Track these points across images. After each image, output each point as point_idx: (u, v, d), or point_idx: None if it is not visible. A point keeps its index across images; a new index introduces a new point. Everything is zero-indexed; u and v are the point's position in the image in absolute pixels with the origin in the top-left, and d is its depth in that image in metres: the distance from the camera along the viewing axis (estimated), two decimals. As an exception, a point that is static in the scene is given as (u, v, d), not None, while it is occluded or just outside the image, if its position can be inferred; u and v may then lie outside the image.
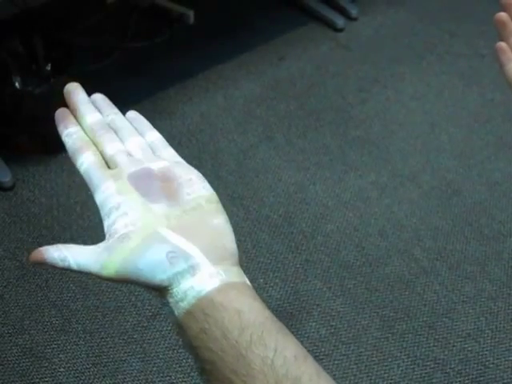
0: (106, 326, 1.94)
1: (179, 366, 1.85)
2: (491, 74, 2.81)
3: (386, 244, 2.16)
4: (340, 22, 3.05)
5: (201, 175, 0.69)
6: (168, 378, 1.83)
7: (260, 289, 2.02)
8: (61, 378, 1.83)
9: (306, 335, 1.91)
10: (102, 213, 0.65)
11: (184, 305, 0.59)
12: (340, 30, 3.05)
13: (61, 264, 0.63)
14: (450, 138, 2.55)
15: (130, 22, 2.73)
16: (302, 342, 1.83)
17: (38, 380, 1.82)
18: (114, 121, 0.72)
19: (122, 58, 2.75)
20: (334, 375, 1.83)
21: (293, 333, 1.88)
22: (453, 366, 1.87)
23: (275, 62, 2.86)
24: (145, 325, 1.94)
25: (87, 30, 2.59)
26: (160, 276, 0.61)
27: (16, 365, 1.85)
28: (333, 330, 1.93)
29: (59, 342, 1.90)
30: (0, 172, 2.29)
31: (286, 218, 2.22)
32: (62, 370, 1.84)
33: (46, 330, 1.93)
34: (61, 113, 0.71)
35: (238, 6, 3.13)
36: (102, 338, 1.91)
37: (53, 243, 2.01)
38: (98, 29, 2.64)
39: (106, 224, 0.64)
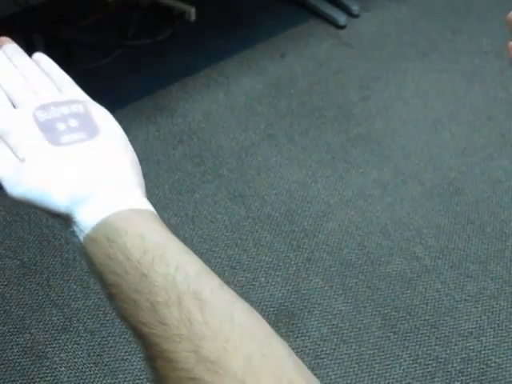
0: (107, 325, 1.93)
1: (180, 365, 1.85)
2: (494, 72, 2.81)
3: (387, 242, 2.16)
4: (342, 18, 3.04)
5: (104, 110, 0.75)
6: (169, 377, 1.82)
7: (261, 287, 2.01)
8: (62, 377, 1.82)
9: (308, 334, 1.90)
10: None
11: (86, 231, 0.61)
12: (342, 27, 3.04)
13: None
14: (453, 135, 2.54)
15: (131, 19, 2.73)
16: (303, 341, 1.83)
17: (38, 379, 1.82)
18: (21, 64, 0.75)
19: (123, 56, 2.75)
20: (336, 374, 1.83)
21: (294, 331, 1.88)
22: (455, 364, 1.87)
23: (277, 59, 2.85)
24: (146, 324, 1.93)
25: (88, 27, 2.58)
26: (57, 203, 0.63)
27: (17, 364, 1.85)
28: (334, 329, 1.93)
29: (60, 341, 1.89)
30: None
31: (287, 217, 2.22)
32: (62, 369, 1.84)
33: (46, 328, 1.92)
34: None
35: (240, 3, 3.12)
36: (103, 337, 1.91)
37: (54, 242, 2.00)
38: (99, 27, 2.64)
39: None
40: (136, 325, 0.57)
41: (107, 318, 1.94)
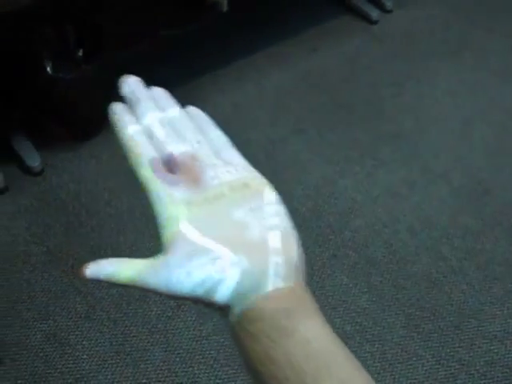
0: (131, 314, 1.94)
1: (202, 358, 1.85)
2: (527, 72, 2.78)
3: (414, 241, 2.14)
4: (374, 14, 3.02)
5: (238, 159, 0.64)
6: (191, 368, 1.83)
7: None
8: (83, 364, 1.83)
9: (331, 331, 1.89)
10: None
11: (243, 323, 0.55)
12: (374, 23, 3.02)
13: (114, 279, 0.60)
14: (483, 135, 2.52)
15: (163, 8, 2.72)
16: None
17: (60, 366, 1.82)
18: (174, 119, 0.67)
19: (154, 45, 2.75)
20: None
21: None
22: (478, 367, 1.85)
23: (308, 53, 2.83)
24: (169, 315, 1.94)
25: (119, 16, 2.58)
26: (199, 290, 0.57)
27: (40, 350, 1.86)
28: (358, 327, 1.92)
29: (83, 329, 1.90)
30: (29, 157, 2.29)
31: (314, 212, 2.21)
32: (85, 356, 1.85)
33: (70, 316, 1.93)
34: (118, 108, 0.67)
35: (273, -4, 3.11)
36: (126, 326, 1.91)
37: (80, 230, 2.01)
38: (130, 15, 2.64)
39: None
40: None
41: (130, 308, 1.95)
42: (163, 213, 0.60)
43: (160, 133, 0.65)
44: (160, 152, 0.64)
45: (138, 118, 0.66)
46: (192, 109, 0.69)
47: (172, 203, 0.60)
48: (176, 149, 0.64)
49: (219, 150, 0.65)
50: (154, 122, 0.66)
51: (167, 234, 0.59)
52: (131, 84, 0.69)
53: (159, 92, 0.70)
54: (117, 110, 0.67)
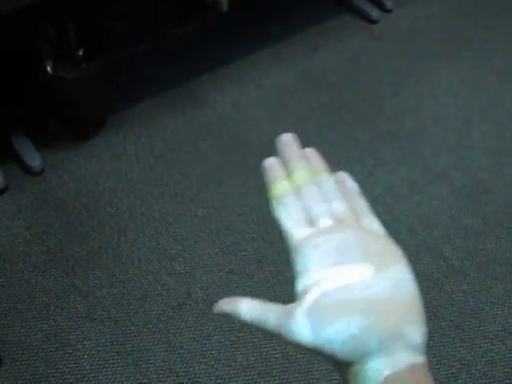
0: (131, 314, 1.94)
1: (203, 358, 1.85)
2: (527, 72, 2.78)
3: (414, 241, 2.14)
4: (375, 13, 3.02)
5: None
6: (191, 368, 1.83)
7: (286, 282, 2.01)
8: (84, 364, 1.83)
9: (332, 331, 1.89)
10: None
11: None
12: (375, 22, 3.02)
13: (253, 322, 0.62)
14: (483, 135, 2.52)
15: (164, 8, 2.72)
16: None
17: (61, 366, 1.82)
18: (321, 182, 0.69)
19: (155, 45, 2.75)
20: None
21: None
22: (478, 367, 1.85)
23: (309, 52, 2.83)
24: (170, 314, 1.94)
25: (121, 15, 2.58)
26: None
27: (40, 350, 1.86)
28: (358, 327, 1.92)
29: (84, 329, 1.90)
30: (30, 157, 2.29)
31: (314, 212, 2.20)
32: (85, 356, 1.85)
33: (70, 316, 1.93)
34: (272, 163, 0.70)
35: (273, -5, 3.11)
36: (127, 326, 1.91)
37: (80, 229, 2.00)
38: (131, 15, 2.64)
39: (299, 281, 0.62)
40: None
41: (131, 308, 1.95)
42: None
43: (308, 194, 0.67)
44: (306, 211, 0.66)
45: (288, 175, 0.69)
46: (341, 174, 0.71)
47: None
48: (321, 211, 0.66)
49: (360, 217, 0.67)
50: (303, 182, 0.68)
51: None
52: (285, 141, 0.72)
53: (311, 152, 0.72)
54: (268, 163, 0.70)
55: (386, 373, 0.55)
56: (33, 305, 1.95)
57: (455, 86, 2.73)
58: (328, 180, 0.69)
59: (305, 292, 0.59)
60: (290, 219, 0.66)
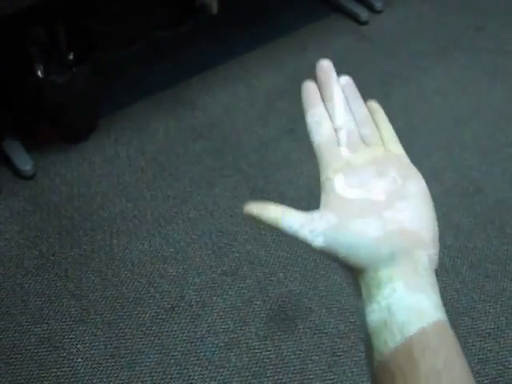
0: (125, 317, 1.93)
1: (197, 359, 1.85)
2: (516, 71, 2.79)
3: (406, 241, 2.14)
4: (364, 14, 3.03)
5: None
6: (185, 370, 1.83)
7: (279, 283, 2.01)
8: (78, 368, 1.83)
9: (325, 331, 1.90)
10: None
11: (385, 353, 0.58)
12: (364, 23, 3.02)
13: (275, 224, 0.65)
14: (474, 134, 2.52)
15: (154, 10, 2.72)
16: (320, 338, 1.82)
17: (55, 370, 1.82)
18: (358, 112, 0.76)
19: (145, 47, 2.75)
20: (352, 372, 1.82)
21: (311, 328, 1.86)
22: (472, 365, 1.86)
23: (298, 53, 2.84)
24: (163, 317, 1.94)
25: (110, 18, 2.58)
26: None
27: (34, 354, 1.85)
28: (352, 327, 1.92)
29: (77, 332, 1.90)
30: (21, 160, 2.29)
31: (306, 212, 2.20)
32: (79, 360, 1.84)
33: (64, 319, 1.93)
34: (310, 89, 0.75)
35: (262, -3, 3.11)
36: (121, 329, 1.91)
37: (73, 233, 2.00)
38: (121, 17, 2.64)
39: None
40: None
41: (124, 310, 1.95)
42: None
43: (341, 117, 0.74)
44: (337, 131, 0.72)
45: (324, 99, 0.74)
46: (373, 103, 0.79)
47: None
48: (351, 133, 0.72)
49: (387, 143, 0.73)
50: (338, 106, 0.74)
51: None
52: (324, 67, 0.78)
53: (347, 80, 0.78)
54: (307, 87, 0.75)
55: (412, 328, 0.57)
56: (26, 309, 1.95)
57: (445, 86, 2.74)
58: (361, 105, 0.77)
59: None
60: (321, 135, 0.71)
